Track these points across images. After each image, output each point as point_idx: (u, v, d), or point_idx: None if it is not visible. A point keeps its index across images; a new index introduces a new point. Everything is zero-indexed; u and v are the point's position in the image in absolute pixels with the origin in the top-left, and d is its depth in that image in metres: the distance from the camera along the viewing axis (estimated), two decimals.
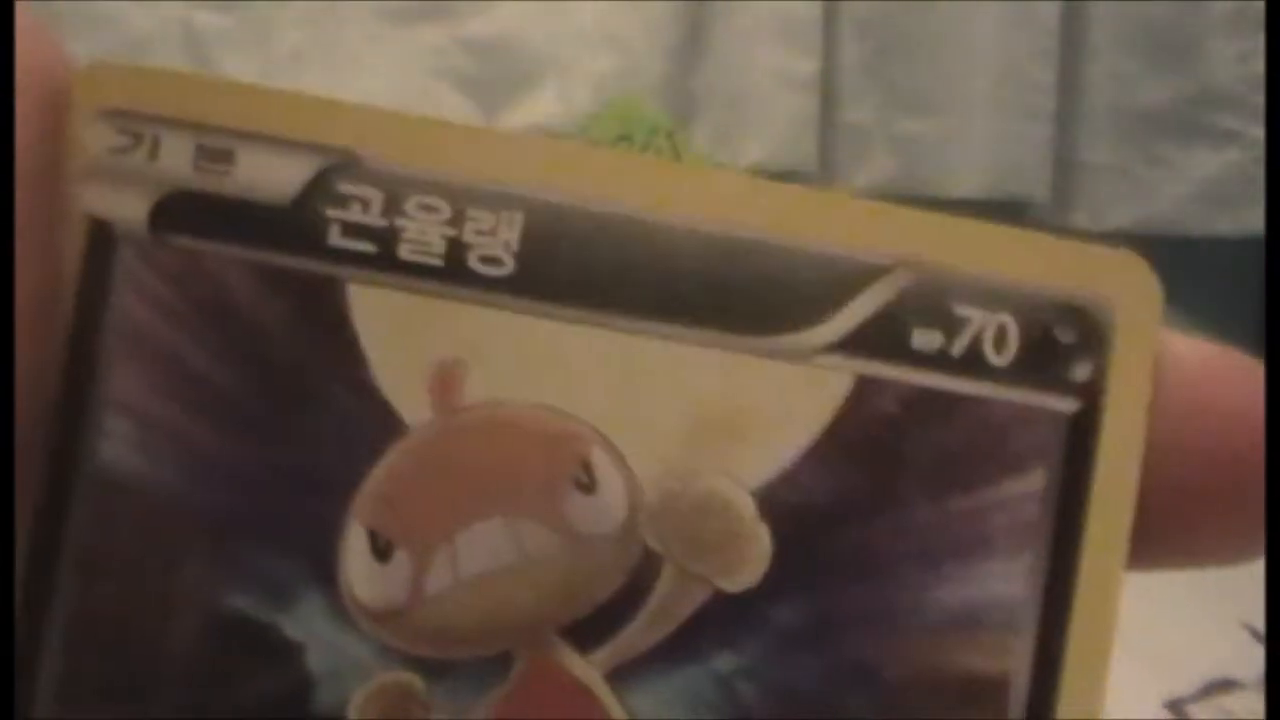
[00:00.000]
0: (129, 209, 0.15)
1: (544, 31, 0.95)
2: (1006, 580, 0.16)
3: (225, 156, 0.15)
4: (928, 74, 0.99)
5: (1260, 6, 0.96)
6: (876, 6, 0.99)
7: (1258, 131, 0.99)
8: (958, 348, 0.16)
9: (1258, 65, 0.98)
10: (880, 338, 0.16)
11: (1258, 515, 0.16)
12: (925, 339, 0.16)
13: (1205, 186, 1.01)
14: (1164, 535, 0.16)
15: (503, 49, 0.95)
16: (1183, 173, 1.01)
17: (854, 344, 0.16)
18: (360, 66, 0.92)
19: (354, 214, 0.15)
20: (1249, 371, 0.16)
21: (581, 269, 0.15)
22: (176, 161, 0.15)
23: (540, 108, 0.95)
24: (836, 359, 0.16)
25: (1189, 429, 0.16)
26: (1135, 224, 1.00)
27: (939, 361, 0.16)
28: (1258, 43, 0.98)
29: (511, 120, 0.94)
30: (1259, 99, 0.98)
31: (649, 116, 0.93)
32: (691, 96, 0.97)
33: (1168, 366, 0.16)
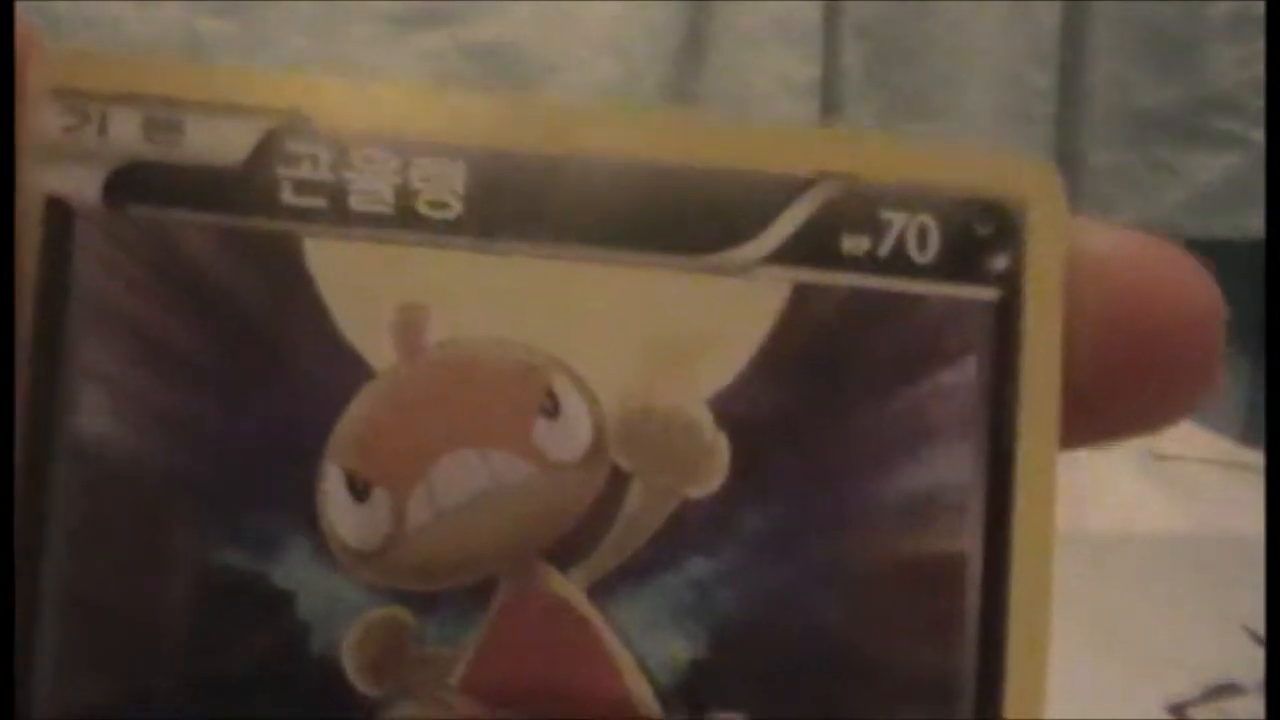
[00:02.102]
0: (83, 184, 0.16)
1: (545, 36, 0.94)
2: (952, 465, 0.17)
3: (174, 126, 0.16)
4: (928, 78, 0.98)
5: (1261, 9, 0.96)
6: (877, 11, 0.98)
7: (1259, 135, 0.99)
8: (884, 249, 0.17)
9: (1259, 69, 0.98)
10: (812, 246, 0.17)
11: (1172, 382, 0.17)
12: (854, 243, 0.17)
13: (1206, 190, 1.00)
14: (1093, 409, 0.17)
15: (504, 54, 0.93)
16: (1184, 176, 1.01)
17: (788, 254, 0.17)
18: (362, 71, 0.90)
19: (304, 171, 0.16)
20: (1156, 249, 0.17)
21: (526, 207, 0.16)
22: (126, 135, 0.16)
23: None
24: (773, 270, 0.17)
25: (1103, 307, 0.17)
26: (1138, 227, 0.99)
27: (868, 264, 0.17)
28: (1259, 46, 0.98)
29: None
30: (1260, 102, 0.98)
31: None
32: (692, 101, 0.95)
33: (1083, 253, 0.17)
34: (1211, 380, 0.17)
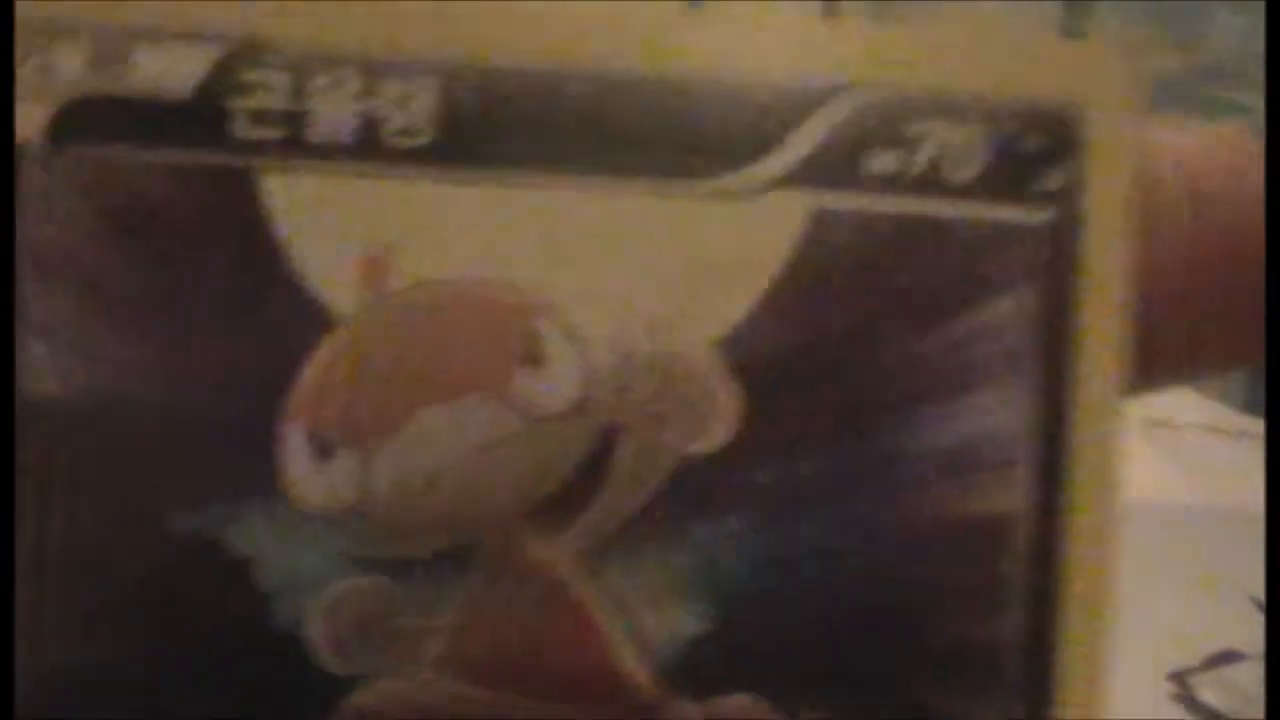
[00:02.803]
0: (28, 124, 0.15)
1: None
2: (998, 412, 0.14)
3: (120, 57, 0.15)
4: None
5: None
6: None
7: (1263, 103, 0.97)
8: (916, 167, 0.15)
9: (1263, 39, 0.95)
10: (831, 166, 0.15)
11: (1253, 310, 0.14)
12: (881, 161, 0.15)
13: None
14: (1168, 346, 0.15)
15: None
16: None
17: (804, 175, 0.14)
18: None
19: (259, 100, 0.14)
20: (1251, 159, 0.15)
21: (507, 130, 0.14)
22: (71, 68, 0.15)
23: None
24: (786, 193, 0.14)
25: (1182, 229, 0.15)
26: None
27: (898, 184, 0.15)
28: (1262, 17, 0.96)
29: None
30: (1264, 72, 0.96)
31: None
32: None
33: (1157, 160, 0.15)
34: None
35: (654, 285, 0.14)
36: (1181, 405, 0.43)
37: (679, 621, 0.14)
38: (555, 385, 0.14)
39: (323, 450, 0.14)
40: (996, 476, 0.14)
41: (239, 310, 0.14)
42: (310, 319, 0.14)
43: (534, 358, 0.14)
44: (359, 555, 0.14)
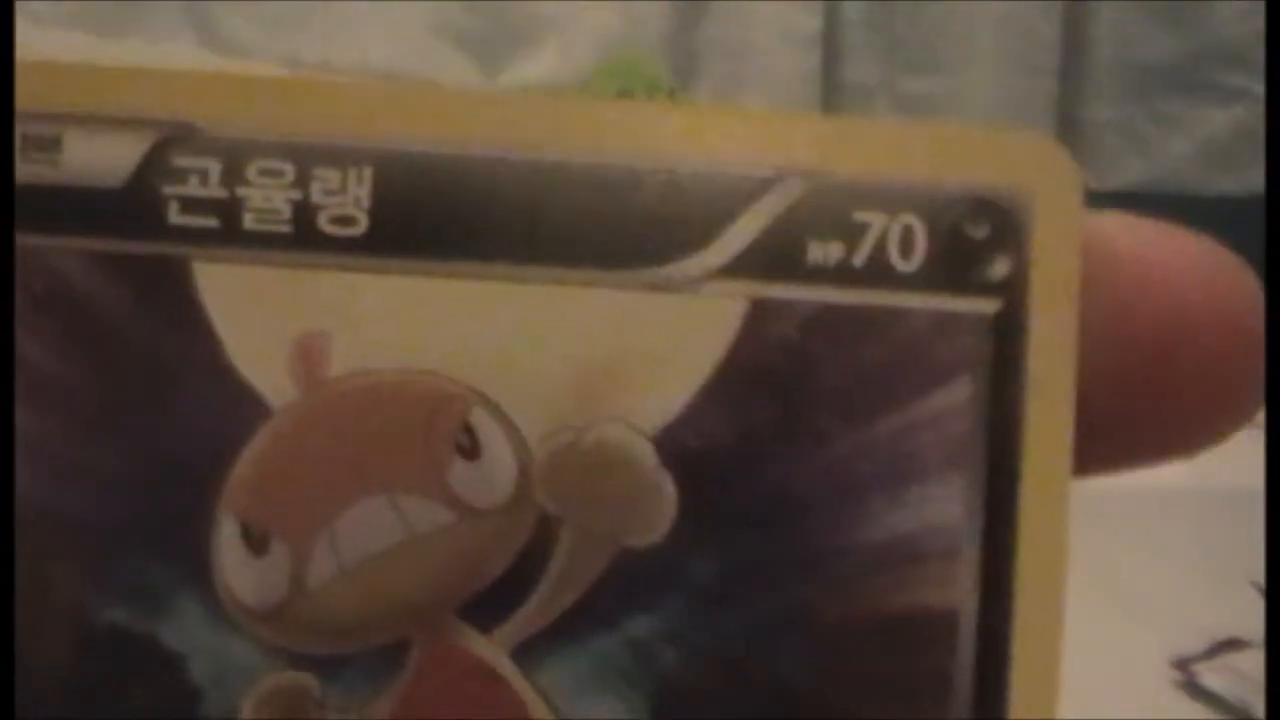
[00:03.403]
0: None
1: None
2: (942, 504, 0.14)
3: (51, 144, 0.14)
4: (931, 31, 0.98)
5: None
6: None
7: (1263, 88, 0.97)
8: (860, 257, 0.14)
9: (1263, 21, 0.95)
10: (773, 256, 0.14)
11: (1210, 399, 0.14)
12: (823, 251, 0.14)
13: (1210, 144, 0.98)
14: (1111, 435, 0.14)
15: (503, 5, 0.94)
16: (1188, 130, 0.99)
17: (744, 266, 0.14)
18: (360, 24, 0.91)
19: (192, 188, 0.14)
20: (1185, 243, 0.14)
21: (441, 219, 0.14)
22: None
23: (541, 65, 0.94)
24: (726, 284, 0.14)
25: (1126, 317, 0.14)
26: (1141, 182, 0.98)
27: (841, 274, 0.14)
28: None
29: (512, 78, 0.93)
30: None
31: (649, 74, 0.92)
32: (693, 53, 0.96)
33: (1095, 253, 0.14)
34: (1254, 396, 0.14)
35: (590, 377, 0.14)
36: None
37: (614, 716, 0.14)
38: (491, 478, 0.14)
39: (256, 543, 0.14)
40: (940, 569, 0.14)
41: (172, 400, 0.14)
42: (244, 409, 0.14)
43: (469, 450, 0.14)
44: (290, 650, 0.14)
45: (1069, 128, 0.99)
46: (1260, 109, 0.98)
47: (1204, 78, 0.99)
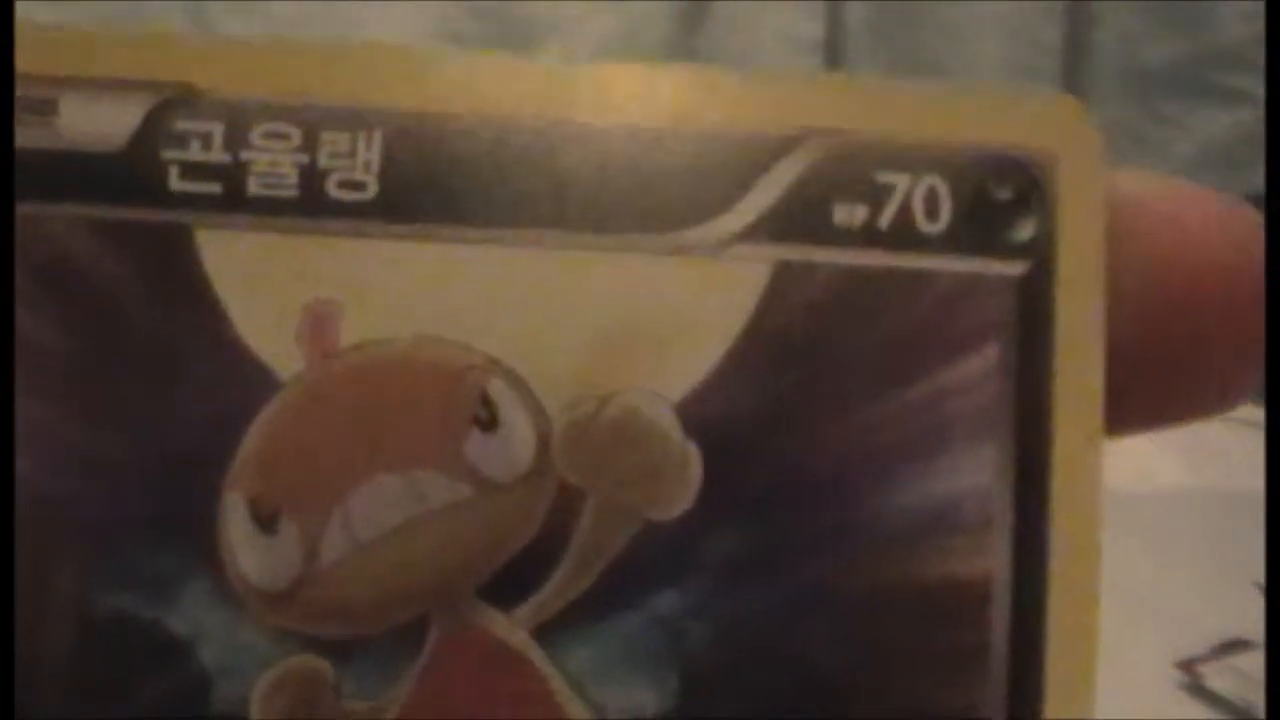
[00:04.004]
0: None
1: None
2: (972, 472, 0.14)
3: (48, 107, 0.14)
4: (933, 34, 0.97)
5: None
6: None
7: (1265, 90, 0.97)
8: (885, 219, 0.14)
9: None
10: (796, 218, 0.14)
11: (1239, 358, 0.14)
12: (847, 213, 0.14)
13: (1214, 146, 0.99)
14: (1141, 395, 0.14)
15: (506, 11, 0.94)
16: (1192, 132, 0.99)
17: (767, 229, 0.14)
18: (362, 27, 0.91)
19: (195, 153, 0.14)
20: (1214, 205, 0.14)
21: (454, 183, 0.14)
22: None
23: None
24: (750, 247, 0.14)
25: (1154, 276, 0.14)
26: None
27: (866, 236, 0.14)
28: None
29: None
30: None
31: None
32: (695, 58, 0.96)
33: (1122, 211, 0.14)
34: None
35: (612, 344, 0.14)
36: None
37: (642, 697, 0.14)
38: (510, 450, 0.14)
39: (266, 522, 0.14)
40: (972, 539, 0.14)
41: (176, 373, 0.14)
42: (252, 382, 0.14)
43: (487, 422, 0.14)
44: (303, 633, 0.14)
45: None
46: (1262, 111, 0.99)
47: (1206, 80, 0.99)
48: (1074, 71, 1.00)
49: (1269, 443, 0.15)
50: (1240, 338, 0.14)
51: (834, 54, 0.96)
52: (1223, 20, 0.99)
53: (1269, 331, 0.14)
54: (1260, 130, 0.97)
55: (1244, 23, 0.98)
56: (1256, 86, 0.99)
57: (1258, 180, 0.94)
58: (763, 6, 0.95)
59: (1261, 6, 0.94)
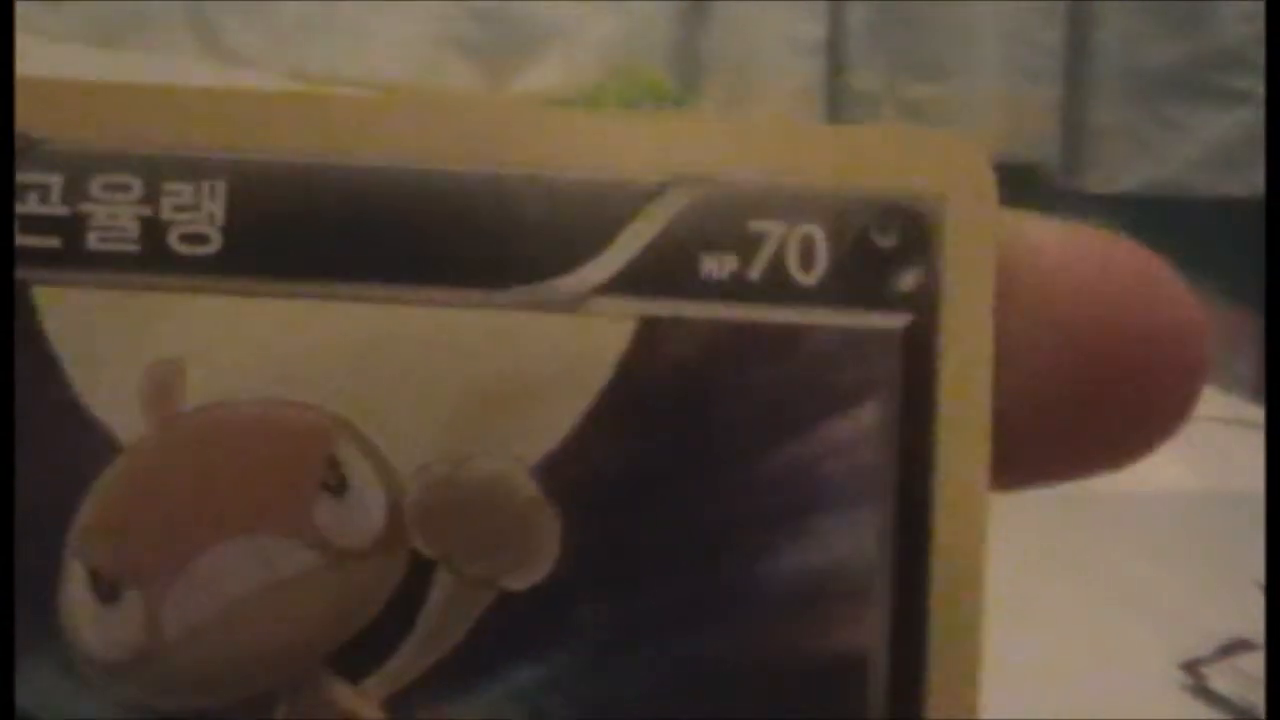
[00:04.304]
0: None
1: None
2: (848, 538, 0.13)
3: None
4: (935, 37, 0.97)
5: None
6: None
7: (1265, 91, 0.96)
8: (756, 270, 0.13)
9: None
10: (661, 270, 0.13)
11: (1140, 412, 0.13)
12: (716, 264, 0.13)
13: (1216, 147, 0.98)
14: (1029, 454, 0.13)
15: (509, 14, 0.94)
16: (1193, 134, 0.98)
17: (630, 282, 0.13)
18: (367, 34, 0.91)
19: (32, 205, 0.13)
20: (1111, 248, 0.13)
21: (302, 235, 0.13)
22: None
23: (547, 74, 0.94)
24: (612, 301, 0.13)
25: (1046, 329, 0.13)
26: (1146, 185, 0.97)
27: (736, 289, 0.13)
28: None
29: (518, 87, 0.93)
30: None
31: (653, 83, 0.92)
32: (698, 61, 0.95)
33: (1014, 259, 0.13)
34: (1187, 410, 0.13)
35: (465, 404, 0.13)
36: None
37: None
38: (359, 516, 0.13)
39: (108, 591, 0.13)
40: (849, 609, 0.13)
41: (14, 437, 0.13)
42: (92, 446, 0.13)
43: (335, 485, 0.13)
44: (146, 708, 0.13)
45: (1073, 132, 0.98)
46: (1263, 112, 0.97)
47: (1208, 81, 0.98)
48: (1075, 73, 0.98)
49: (1269, 444, 0.14)
50: (1141, 397, 0.13)
51: (835, 54, 0.96)
52: (1224, 22, 0.98)
53: (1269, 331, 0.13)
54: (1261, 131, 0.95)
55: (1245, 24, 0.97)
56: (1258, 87, 0.97)
57: (1260, 181, 0.92)
58: (763, 7, 0.94)
59: (1262, 7, 0.92)
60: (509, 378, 0.13)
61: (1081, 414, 0.13)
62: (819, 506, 0.13)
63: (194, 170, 0.13)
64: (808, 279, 0.13)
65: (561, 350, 0.13)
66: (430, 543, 0.13)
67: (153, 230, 0.13)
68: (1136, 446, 0.13)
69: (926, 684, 0.13)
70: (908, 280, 0.13)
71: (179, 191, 0.13)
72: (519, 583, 0.13)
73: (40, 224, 0.13)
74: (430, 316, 0.13)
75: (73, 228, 0.13)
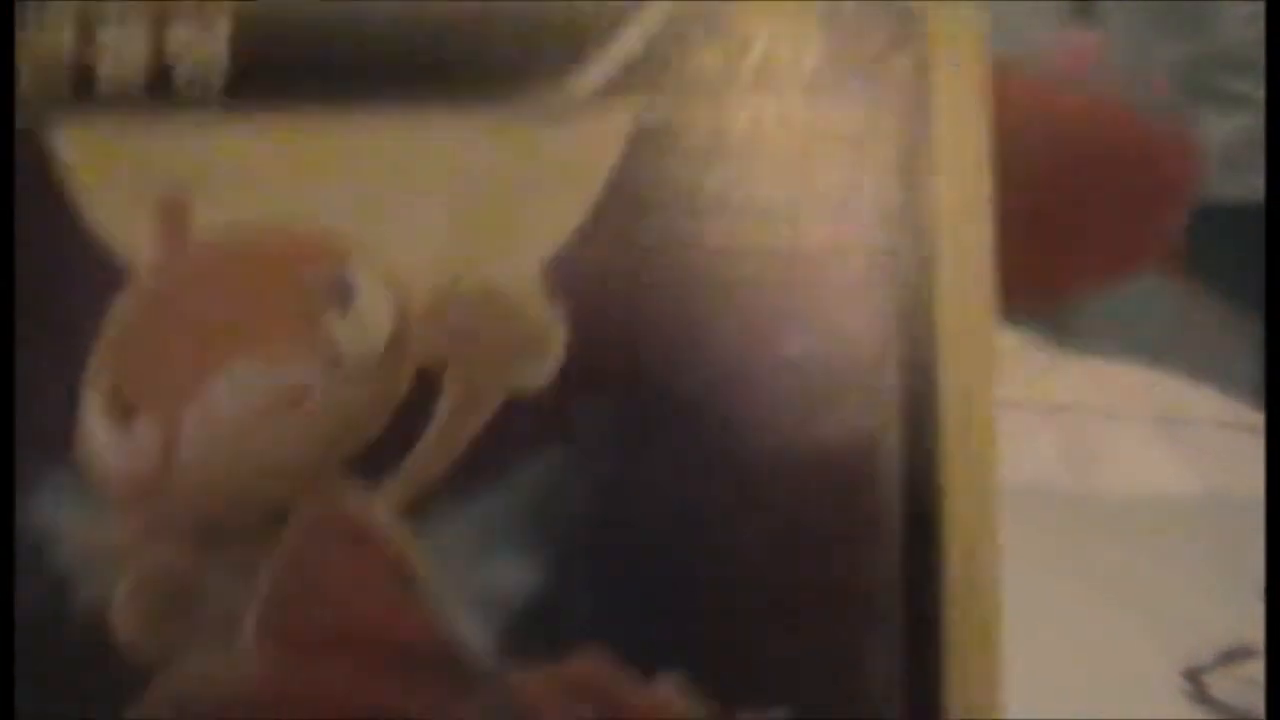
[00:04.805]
0: None
1: None
2: (857, 323, 0.13)
3: None
4: None
5: None
6: None
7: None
8: (749, 65, 0.13)
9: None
10: (655, 70, 0.13)
11: (1132, 207, 0.13)
12: (708, 61, 0.13)
13: (1217, 150, 0.97)
14: (1028, 270, 0.13)
15: None
16: None
17: (626, 83, 0.13)
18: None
19: (45, 48, 0.14)
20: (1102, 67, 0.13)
21: (304, 67, 0.14)
22: None
23: None
24: (609, 103, 0.13)
25: (1034, 148, 0.13)
26: None
27: (728, 84, 0.13)
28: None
29: None
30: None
31: None
32: None
33: (1006, 83, 0.13)
34: (1185, 199, 0.13)
35: (471, 213, 0.13)
36: (1191, 399, 0.42)
37: (513, 574, 0.13)
38: (367, 327, 0.13)
39: (124, 414, 0.13)
40: (859, 394, 0.13)
41: (31, 269, 0.14)
42: (109, 274, 0.13)
43: (343, 299, 0.13)
44: (165, 526, 0.13)
45: None
46: (1263, 114, 0.97)
47: (1208, 84, 0.98)
48: None
49: (1269, 448, 0.14)
50: (1130, 183, 0.13)
51: None
52: (1224, 24, 0.98)
53: (1269, 331, 0.13)
54: (1261, 134, 0.95)
55: (1245, 27, 0.97)
56: (1258, 90, 0.97)
57: (1259, 183, 0.91)
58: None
59: (1262, 9, 0.92)
60: (514, 183, 0.13)
61: (1081, 214, 0.13)
62: (826, 295, 0.13)
63: (198, 10, 0.14)
64: (800, 72, 0.13)
65: (564, 152, 0.13)
66: (439, 349, 0.13)
67: (160, 68, 0.14)
68: (1140, 244, 0.13)
69: (939, 462, 0.13)
70: (896, 71, 0.13)
71: (184, 31, 0.14)
72: (527, 382, 0.13)
73: (52, 67, 0.14)
74: (430, 131, 0.13)
75: (84, 67, 0.14)
